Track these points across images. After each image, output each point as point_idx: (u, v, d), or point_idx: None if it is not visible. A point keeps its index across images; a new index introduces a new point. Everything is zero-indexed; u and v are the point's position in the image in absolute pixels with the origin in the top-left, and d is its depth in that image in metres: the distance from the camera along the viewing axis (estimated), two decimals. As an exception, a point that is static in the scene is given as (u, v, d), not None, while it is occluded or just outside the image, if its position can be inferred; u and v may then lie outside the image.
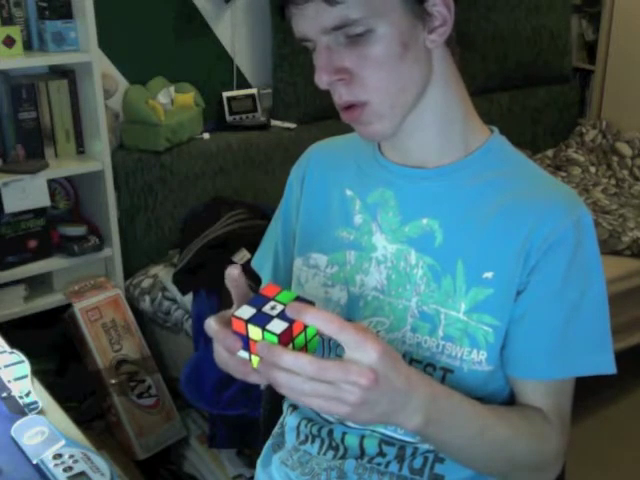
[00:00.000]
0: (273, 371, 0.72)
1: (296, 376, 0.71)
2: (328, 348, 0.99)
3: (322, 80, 0.87)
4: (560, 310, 0.90)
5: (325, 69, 0.86)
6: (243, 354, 0.77)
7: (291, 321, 0.73)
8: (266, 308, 0.76)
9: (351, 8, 0.82)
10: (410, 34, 0.86)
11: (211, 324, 0.79)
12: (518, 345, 0.91)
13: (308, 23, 0.85)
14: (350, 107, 0.89)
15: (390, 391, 0.75)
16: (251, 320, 0.75)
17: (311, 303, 0.75)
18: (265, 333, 0.73)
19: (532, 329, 0.90)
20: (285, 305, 0.75)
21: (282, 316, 0.74)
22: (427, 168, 0.95)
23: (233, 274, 0.81)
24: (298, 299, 0.76)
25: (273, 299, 0.77)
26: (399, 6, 0.85)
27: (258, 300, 0.77)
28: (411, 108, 0.90)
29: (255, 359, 0.76)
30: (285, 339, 0.73)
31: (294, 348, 0.75)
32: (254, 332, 0.75)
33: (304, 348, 0.76)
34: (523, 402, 0.93)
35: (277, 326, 0.73)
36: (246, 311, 0.76)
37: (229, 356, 0.78)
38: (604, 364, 0.93)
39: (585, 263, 0.91)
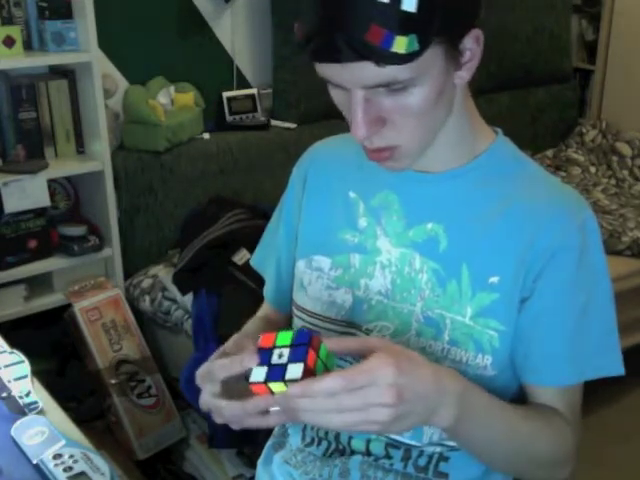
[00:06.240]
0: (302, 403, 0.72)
1: (324, 403, 0.71)
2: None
3: (361, 136, 0.83)
4: (571, 315, 0.90)
5: (365, 123, 0.82)
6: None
7: (304, 358, 0.73)
8: (274, 359, 0.75)
9: (401, 70, 0.78)
10: (445, 80, 0.83)
11: (233, 406, 0.78)
12: (531, 353, 0.90)
13: (348, 77, 0.79)
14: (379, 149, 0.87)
15: (419, 398, 0.74)
16: (268, 379, 0.74)
17: (316, 332, 0.75)
18: (288, 384, 0.73)
19: (545, 337, 0.90)
20: (289, 346, 0.74)
21: (293, 359, 0.74)
22: (432, 172, 0.94)
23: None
24: (301, 334, 0.75)
25: (275, 347, 0.76)
26: (440, 59, 0.81)
27: (263, 356, 0.76)
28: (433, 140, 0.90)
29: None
30: (308, 377, 0.73)
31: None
32: (277, 387, 0.74)
33: (326, 370, 0.75)
34: (537, 403, 0.93)
35: (294, 371, 0.73)
36: (258, 373, 0.75)
37: (245, 414, 0.78)
38: (613, 366, 0.93)
39: (591, 266, 0.90)
